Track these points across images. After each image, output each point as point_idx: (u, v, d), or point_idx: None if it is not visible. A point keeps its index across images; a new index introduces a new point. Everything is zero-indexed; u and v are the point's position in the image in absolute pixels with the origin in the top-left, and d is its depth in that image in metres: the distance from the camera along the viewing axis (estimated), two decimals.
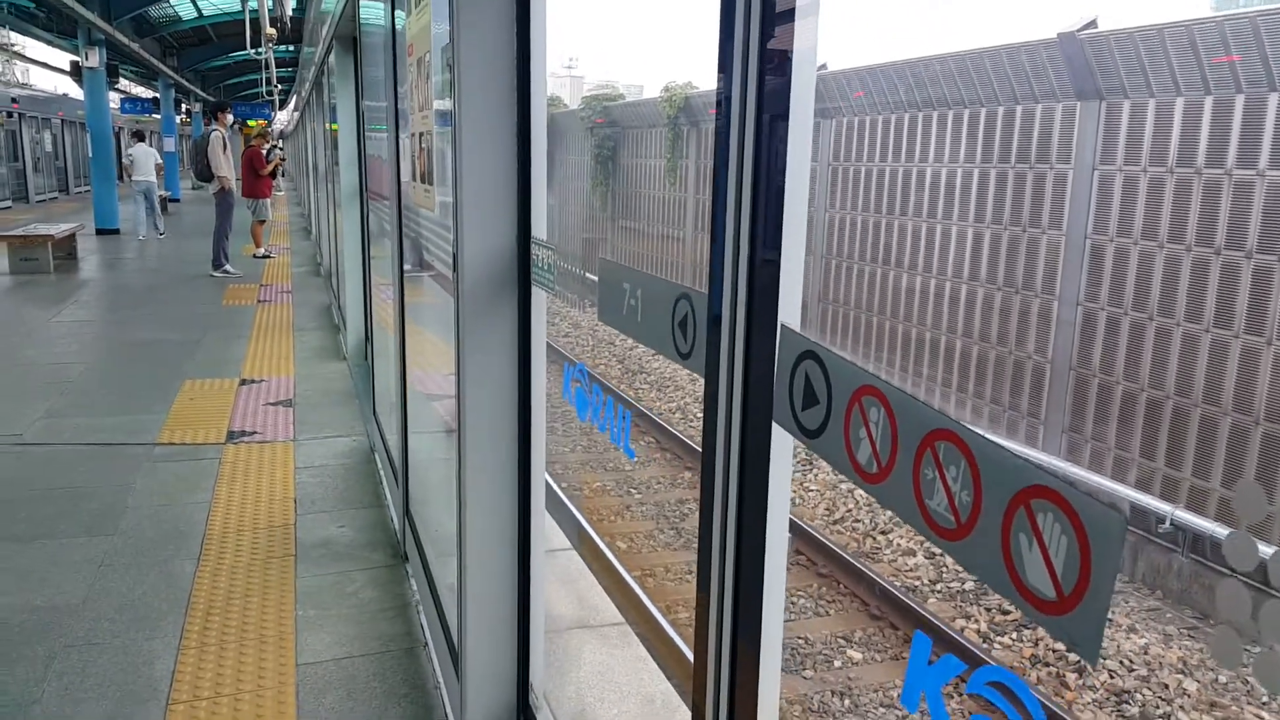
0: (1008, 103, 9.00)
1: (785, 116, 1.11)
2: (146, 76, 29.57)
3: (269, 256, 13.61)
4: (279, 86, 27.28)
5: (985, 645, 5.89)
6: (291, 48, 21.27)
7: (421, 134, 2.81)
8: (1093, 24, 7.82)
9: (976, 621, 6.21)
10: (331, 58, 7.12)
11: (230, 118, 12.30)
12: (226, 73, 33.83)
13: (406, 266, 3.52)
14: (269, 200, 13.45)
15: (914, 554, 7.15)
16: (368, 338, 7.19)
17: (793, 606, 6.24)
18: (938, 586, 6.72)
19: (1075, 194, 8.33)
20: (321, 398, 6.24)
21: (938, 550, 7.18)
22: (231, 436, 5.30)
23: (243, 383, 6.54)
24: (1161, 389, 7.34)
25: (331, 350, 7.79)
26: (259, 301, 10.11)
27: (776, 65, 1.12)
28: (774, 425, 1.16)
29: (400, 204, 3.48)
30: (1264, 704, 5.24)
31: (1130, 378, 7.65)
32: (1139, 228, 7.58)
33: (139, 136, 17.72)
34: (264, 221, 13.54)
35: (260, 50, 18.36)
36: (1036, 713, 0.77)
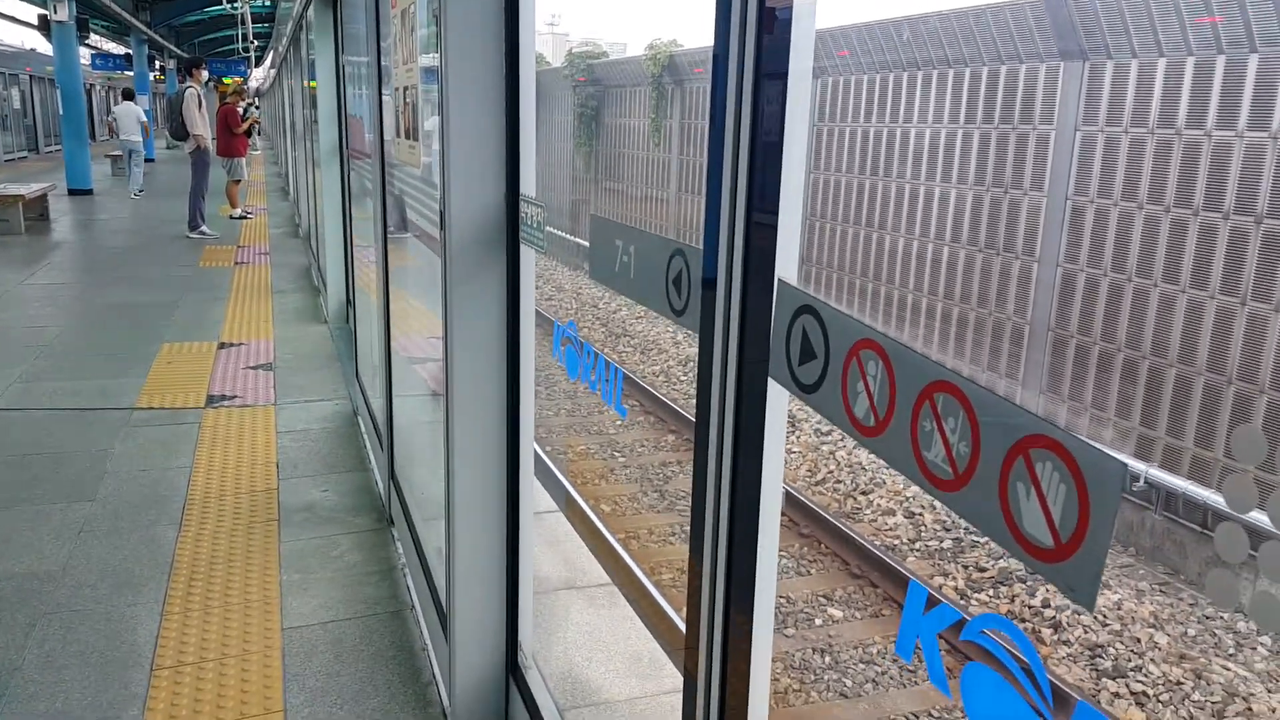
0: (992, 63, 8.97)
1: (784, 72, 1.10)
2: (118, 31, 28.96)
3: (246, 217, 13.44)
4: (255, 43, 26.78)
5: (963, 602, 5.98)
6: (269, 2, 20.87)
7: (405, 88, 2.77)
8: None
9: (954, 579, 6.30)
10: (310, 12, 6.99)
11: (205, 74, 12.07)
12: (201, 28, 33.17)
13: (390, 226, 3.48)
14: (245, 159, 13.26)
15: (894, 514, 7.23)
16: (349, 300, 7.14)
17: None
18: (916, 545, 6.80)
19: (1057, 155, 8.34)
20: (302, 361, 6.20)
21: (917, 510, 7.28)
22: (211, 401, 5.26)
23: (222, 346, 6.49)
24: (1138, 349, 7.40)
25: (312, 313, 7.72)
26: (236, 263, 10.00)
27: (775, 19, 1.10)
28: (770, 381, 1.16)
29: (383, 161, 3.44)
30: (1230, 655, 5.35)
31: (1107, 338, 7.71)
32: (1119, 189, 7.61)
33: (128, 95, 17.38)
34: (239, 181, 13.36)
35: (236, 5, 17.98)
36: (1032, 659, 0.78)
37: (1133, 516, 6.61)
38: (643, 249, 1.54)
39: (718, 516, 1.30)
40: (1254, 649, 5.37)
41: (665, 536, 6.82)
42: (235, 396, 5.34)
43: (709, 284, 1.27)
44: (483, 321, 2.29)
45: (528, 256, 2.25)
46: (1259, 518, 0.60)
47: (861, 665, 5.21)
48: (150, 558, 3.43)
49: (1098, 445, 0.71)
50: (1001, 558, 6.46)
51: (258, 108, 36.60)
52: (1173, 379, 7.11)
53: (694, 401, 1.33)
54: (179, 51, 31.03)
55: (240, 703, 2.61)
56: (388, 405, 3.67)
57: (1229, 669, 5.16)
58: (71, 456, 4.38)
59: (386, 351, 3.62)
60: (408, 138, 2.86)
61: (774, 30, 1.11)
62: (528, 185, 2.21)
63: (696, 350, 1.34)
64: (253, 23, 24.03)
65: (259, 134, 32.24)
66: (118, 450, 4.46)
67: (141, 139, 16.35)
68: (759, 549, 1.25)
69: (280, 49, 13.85)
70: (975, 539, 6.76)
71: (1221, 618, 5.69)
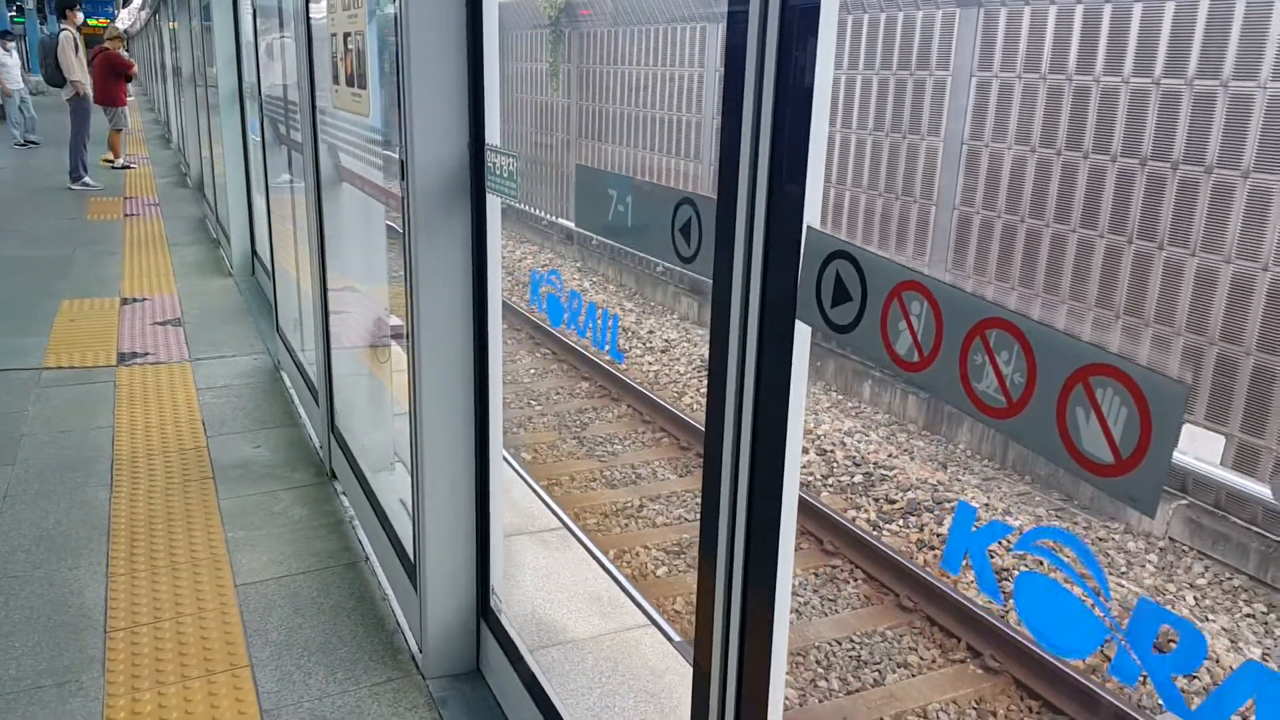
0: (890, 9, 9.14)
1: (815, 8, 1.13)
2: None
3: (129, 167, 12.79)
4: None
5: (875, 533, 6.26)
6: None
7: (348, 34, 2.71)
8: None
9: (866, 511, 6.58)
10: None
11: (80, 16, 11.36)
12: None
13: (323, 176, 3.40)
14: (126, 107, 12.58)
15: (807, 452, 7.47)
16: (254, 252, 6.92)
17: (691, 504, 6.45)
18: (829, 481, 7.06)
19: (953, 101, 8.58)
20: (211, 316, 6.01)
21: (829, 447, 7.53)
22: (123, 359, 5.07)
23: (124, 302, 6.23)
24: (1031, 288, 7.76)
25: (213, 265, 7.46)
26: (126, 215, 9.54)
27: None
28: (797, 323, 1.22)
29: (314, 109, 3.35)
30: (1123, 574, 5.77)
31: (1001, 279, 8.06)
32: (1012, 133, 7.90)
33: (6, 36, 16.13)
34: (121, 130, 12.69)
35: None
36: (1093, 567, 0.87)
37: (1022, 450, 6.97)
38: (643, 198, 1.58)
39: (737, 462, 1.36)
40: (1143, 566, 5.80)
41: (585, 483, 6.91)
42: (147, 354, 5.15)
43: (726, 231, 1.32)
44: (449, 270, 2.29)
45: (494, 205, 2.26)
46: None
47: None
48: (85, 520, 3.33)
49: (1159, 371, 0.79)
50: (910, 490, 6.77)
51: (127, 50, 34.62)
52: (1063, 314, 7.49)
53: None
54: None
55: (203, 659, 2.59)
56: (325, 358, 3.62)
57: (1122, 585, 5.57)
58: None
59: (324, 304, 3.56)
60: (349, 85, 2.80)
61: None
62: (493, 134, 2.21)
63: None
64: None
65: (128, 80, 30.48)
66: (31, 412, 4.28)
67: (25, 86, 15.21)
68: (783, 497, 1.31)
69: None
70: (885, 474, 7.05)
71: (1114, 539, 6.11)
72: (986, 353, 0.95)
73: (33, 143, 14.97)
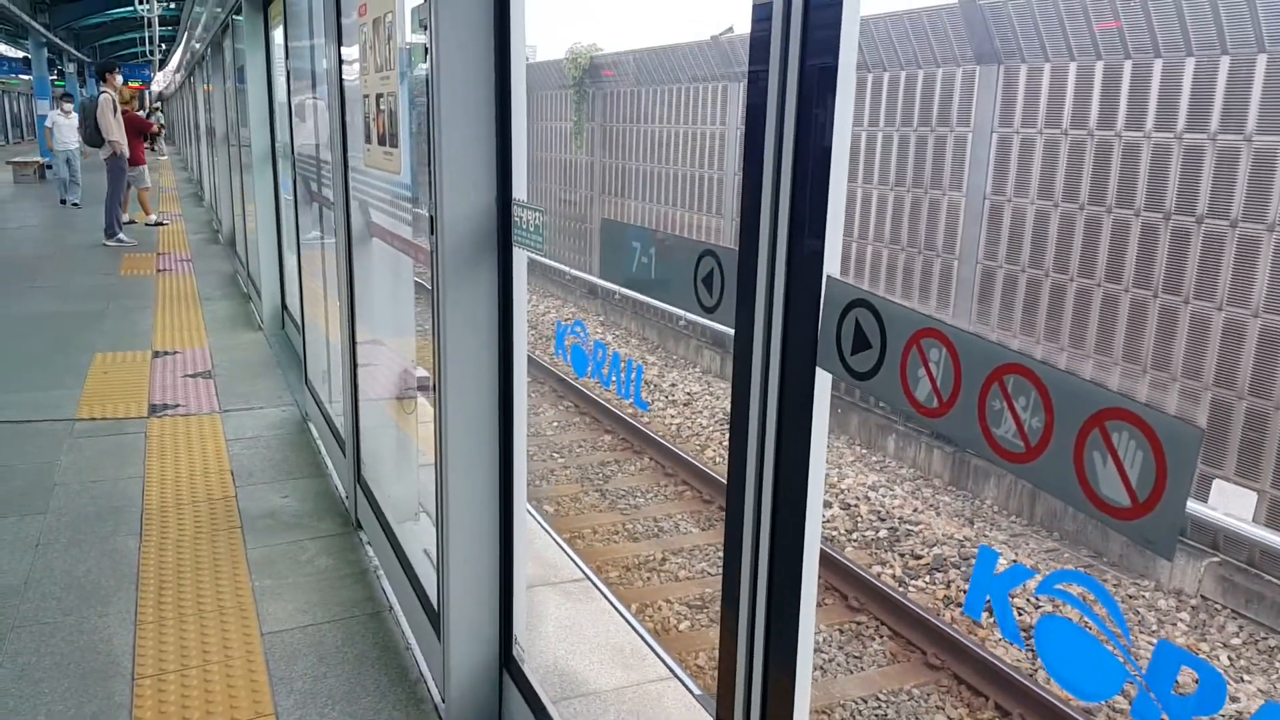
0: (910, 67, 9.27)
1: (834, 61, 1.17)
2: (14, 35, 27.77)
3: (162, 224, 13.06)
4: (162, 46, 25.96)
5: (901, 589, 6.19)
6: (173, 5, 20.26)
7: (380, 95, 2.79)
8: None
9: (891, 567, 6.51)
10: (239, 16, 6.87)
11: (119, 79, 11.71)
12: (103, 31, 32.02)
13: (354, 232, 3.48)
14: (145, 166, 12.91)
15: (830, 506, 7.43)
16: (284, 306, 7.04)
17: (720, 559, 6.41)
18: (854, 536, 7.00)
19: (974, 156, 8.65)
20: (241, 368, 6.10)
21: (853, 501, 7.48)
22: (154, 410, 5.15)
23: (156, 355, 6.34)
24: (1056, 342, 7.75)
25: (243, 319, 7.59)
26: (159, 270, 9.74)
27: (823, 3, 1.18)
28: (818, 370, 1.25)
29: (346, 168, 3.44)
30: (1154, 632, 5.66)
31: (1026, 333, 8.04)
32: (1035, 188, 7.94)
33: (69, 99, 16.47)
34: (148, 188, 12.99)
35: (146, 6, 17.41)
36: (1113, 610, 0.88)
37: (1055, 503, 6.90)
38: (665, 250, 1.62)
39: (759, 506, 1.38)
40: (1174, 624, 5.69)
41: (608, 536, 6.89)
42: (178, 405, 5.23)
43: (747, 281, 1.35)
44: (476, 322, 2.34)
45: (520, 259, 2.31)
46: None
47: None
48: (114, 568, 3.36)
49: (1174, 415, 0.81)
50: (936, 545, 6.70)
51: (161, 111, 35.52)
52: (1089, 368, 7.46)
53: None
54: (80, 55, 29.92)
55: (229, 707, 2.60)
56: (353, 409, 3.67)
57: (1153, 645, 5.46)
58: (16, 470, 4.26)
59: (352, 358, 3.61)
60: (381, 144, 2.88)
61: (821, 22, 1.19)
62: (519, 189, 2.26)
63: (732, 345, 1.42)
64: (160, 25, 23.30)
65: (155, 139, 31.18)
66: (64, 462, 4.35)
67: (77, 147, 15.38)
68: (804, 543, 1.33)
69: (192, 53, 13.51)
70: (910, 529, 6.99)
71: (1143, 596, 6.01)
72: (1004, 398, 0.97)
73: (74, 204, 15.20)
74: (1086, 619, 0.91)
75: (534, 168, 16.45)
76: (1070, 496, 0.91)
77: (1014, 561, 6.44)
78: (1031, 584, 1.17)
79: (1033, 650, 0.90)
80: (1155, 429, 0.83)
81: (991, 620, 5.31)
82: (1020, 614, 5.41)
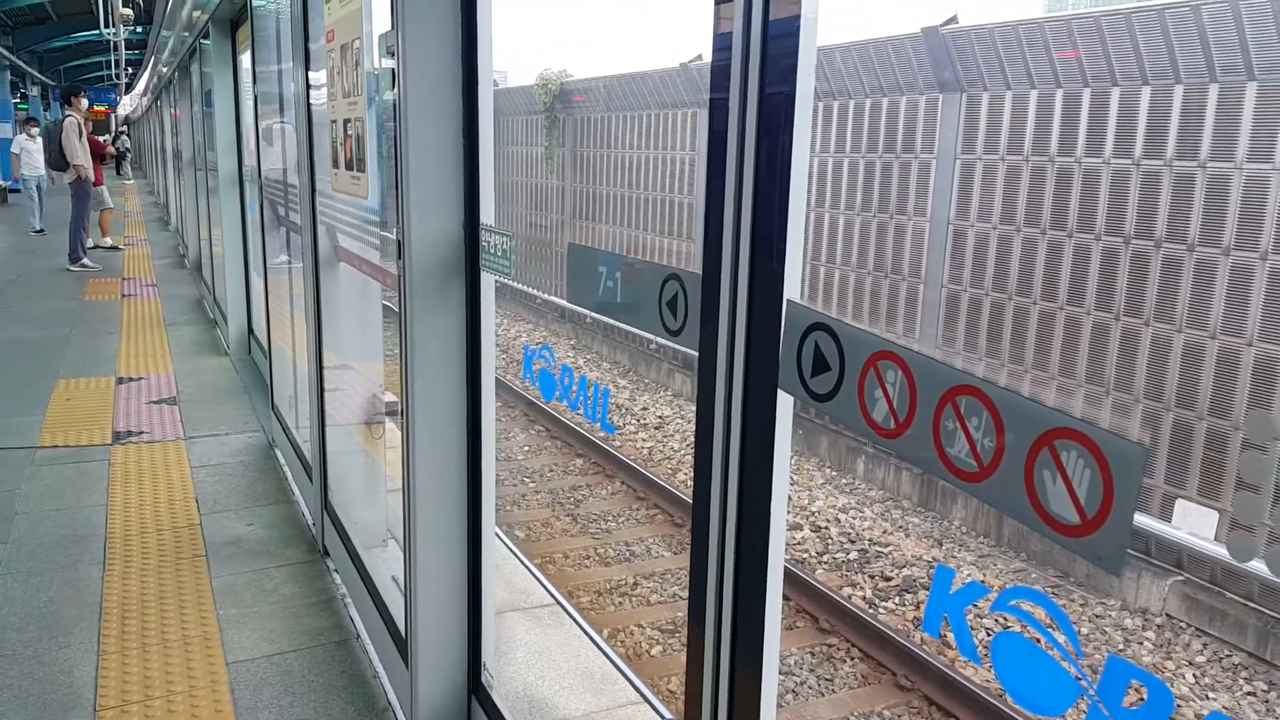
0: (874, 95, 9.40)
1: (792, 88, 1.20)
2: None
3: (116, 249, 12.90)
4: (128, 70, 25.80)
5: (871, 610, 6.21)
6: (140, 29, 20.16)
7: (348, 120, 2.80)
8: (954, 19, 8.25)
9: (862, 589, 6.53)
10: (207, 41, 6.85)
11: (85, 103, 11.62)
12: (67, 54, 31.78)
13: (320, 256, 3.48)
14: (104, 186, 12.80)
15: (801, 528, 7.45)
16: (250, 331, 6.99)
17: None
18: (824, 558, 7.02)
19: (939, 182, 8.78)
20: (207, 394, 6.04)
21: (823, 524, 7.51)
22: (118, 437, 5.08)
23: (120, 381, 6.26)
24: (1021, 364, 7.84)
25: (209, 345, 7.52)
26: (124, 295, 9.64)
27: (781, 34, 1.21)
28: (779, 393, 1.26)
29: (314, 191, 3.43)
30: (1121, 650, 5.71)
31: (991, 355, 8.14)
32: (997, 213, 8.07)
33: (34, 123, 16.03)
34: (111, 209, 12.87)
35: (113, 30, 17.30)
36: (1064, 625, 0.90)
37: (1019, 525, 6.95)
38: (631, 274, 1.64)
39: (724, 527, 1.39)
40: (1140, 644, 5.75)
41: (580, 561, 6.86)
42: (142, 432, 5.17)
43: (711, 304, 1.37)
44: (444, 347, 2.34)
45: (488, 284, 2.32)
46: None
47: (781, 676, 5.36)
48: (77, 598, 3.31)
49: (1119, 434, 0.83)
50: (905, 566, 6.74)
51: (128, 134, 35.23)
52: (1053, 390, 7.56)
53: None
54: (44, 78, 29.66)
55: None
56: (320, 436, 3.64)
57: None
58: None
59: (319, 382, 3.60)
60: (349, 169, 2.88)
61: (781, 42, 1.21)
62: (487, 214, 2.28)
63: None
64: (126, 49, 23.17)
65: (122, 161, 30.90)
66: (24, 490, 4.28)
67: (44, 172, 15.00)
68: (769, 562, 1.34)
69: (159, 77, 13.44)
70: (880, 550, 7.02)
71: (1110, 615, 6.06)
72: (958, 418, 0.99)
73: (39, 231, 14.90)
74: (1039, 635, 0.93)
75: (506, 192, 16.48)
76: (1022, 515, 0.93)
77: (977, 580, 6.48)
78: (984, 602, 1.19)
79: (990, 667, 0.92)
80: (1102, 448, 0.85)
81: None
82: (989, 633, 5.45)
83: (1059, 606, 0.88)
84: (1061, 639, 0.89)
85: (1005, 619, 5.44)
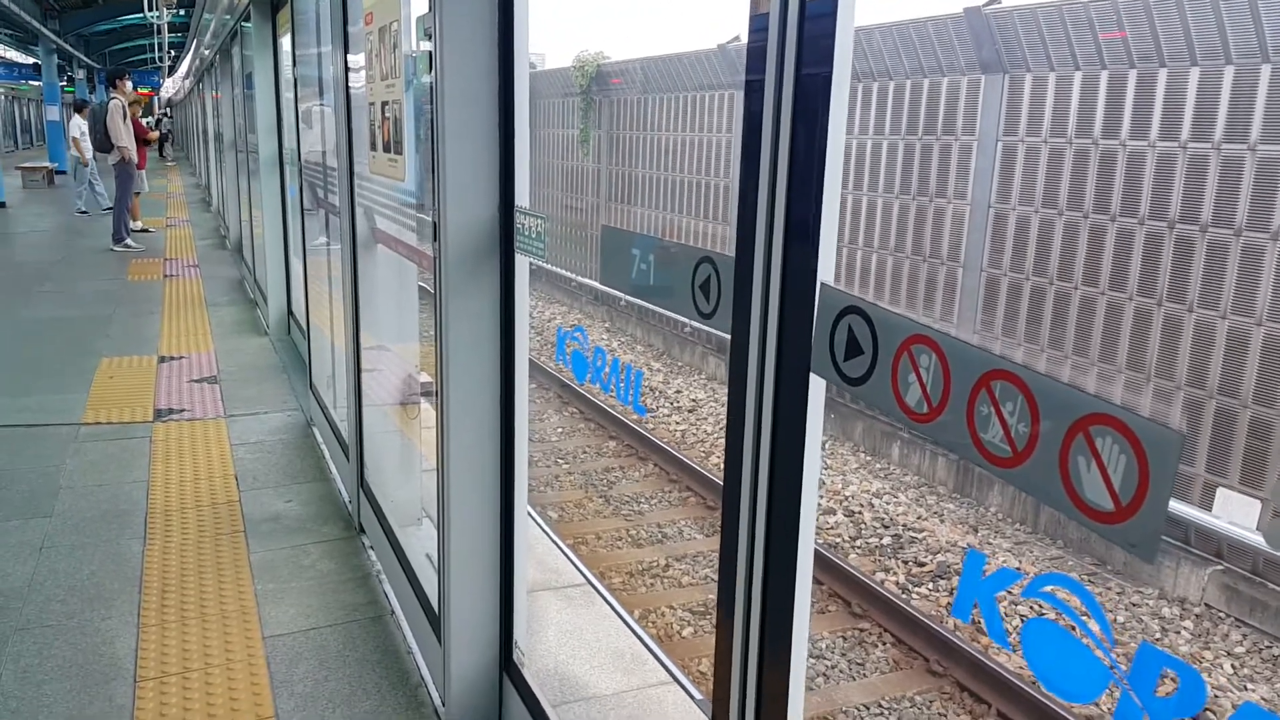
0: (915, 76, 9.29)
1: (829, 71, 1.19)
2: (24, 41, 27.94)
3: (148, 231, 13.06)
4: (171, 52, 26.09)
5: (905, 596, 6.19)
6: (183, 12, 20.38)
7: (385, 103, 2.82)
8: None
9: (895, 574, 6.50)
10: (248, 23, 6.91)
11: (129, 85, 11.78)
12: (112, 38, 32.23)
13: (359, 237, 3.50)
14: (144, 171, 12.98)
15: (834, 513, 7.42)
16: (290, 311, 7.07)
17: None
18: (857, 543, 7.00)
19: (980, 165, 8.66)
20: (247, 373, 6.13)
21: (856, 509, 7.48)
22: (159, 415, 5.18)
23: (162, 360, 6.37)
24: (1061, 350, 7.74)
25: (250, 325, 7.62)
26: (166, 276, 9.79)
27: (819, 13, 1.19)
28: (811, 376, 1.26)
29: (352, 174, 3.46)
30: (1157, 640, 5.65)
31: (1030, 340, 8.04)
32: (1040, 197, 7.95)
33: (79, 109, 16.02)
34: (140, 194, 13.04)
35: (157, 14, 17.49)
36: (1096, 612, 0.89)
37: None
38: (664, 256, 1.64)
39: (754, 510, 1.39)
40: (1178, 633, 5.68)
41: (611, 542, 6.90)
42: (184, 410, 5.26)
43: (744, 287, 1.37)
44: (478, 328, 2.35)
45: (522, 266, 2.33)
46: None
47: (812, 660, 5.36)
48: (118, 571, 3.39)
49: (1155, 420, 0.82)
50: (939, 552, 6.70)
51: (170, 117, 35.67)
52: (1093, 377, 7.46)
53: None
54: (90, 61, 30.09)
55: (230, 710, 2.62)
56: (356, 415, 3.69)
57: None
58: (21, 474, 4.28)
59: (356, 363, 3.64)
60: (386, 151, 2.90)
61: (819, 23, 1.20)
62: (522, 196, 2.28)
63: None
64: (169, 32, 23.42)
65: (165, 144, 31.23)
66: (69, 466, 4.38)
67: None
68: (799, 546, 1.34)
69: (202, 59, 13.58)
70: (914, 536, 6.99)
71: (1147, 604, 6.00)
72: (992, 403, 0.99)
73: (83, 212, 15.03)
74: (1071, 622, 0.92)
75: (541, 174, 16.49)
76: (1056, 501, 0.92)
77: (1011, 567, 6.43)
78: (1017, 588, 1.18)
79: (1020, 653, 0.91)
80: (1137, 433, 0.84)
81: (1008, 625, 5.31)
82: (1024, 619, 5.41)
83: (1091, 593, 0.87)
84: (1094, 626, 0.88)
85: (1040, 605, 5.39)
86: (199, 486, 4.20)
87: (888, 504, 7.54)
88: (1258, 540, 5.57)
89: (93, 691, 2.70)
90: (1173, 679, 0.82)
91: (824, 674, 5.13)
